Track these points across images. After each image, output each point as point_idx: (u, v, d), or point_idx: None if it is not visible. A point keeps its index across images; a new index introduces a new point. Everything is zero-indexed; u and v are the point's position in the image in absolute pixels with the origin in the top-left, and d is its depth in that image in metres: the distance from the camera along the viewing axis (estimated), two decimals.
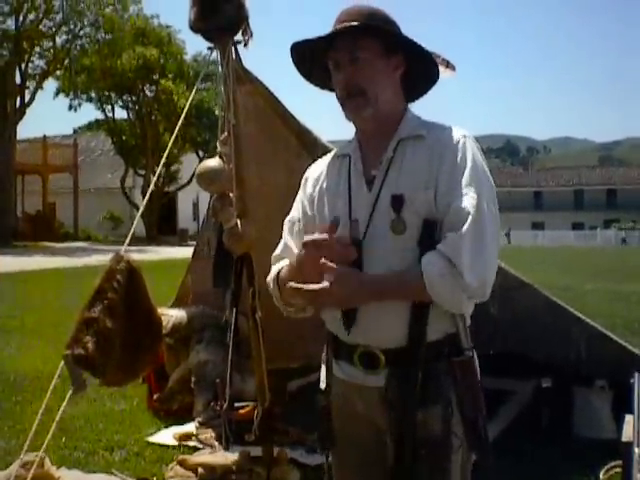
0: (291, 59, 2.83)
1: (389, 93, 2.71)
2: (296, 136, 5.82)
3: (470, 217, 2.48)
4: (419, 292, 2.49)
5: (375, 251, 2.59)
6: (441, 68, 2.80)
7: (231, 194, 4.60)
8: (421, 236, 2.55)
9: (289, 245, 2.91)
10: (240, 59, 5.01)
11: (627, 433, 4.31)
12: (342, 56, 2.65)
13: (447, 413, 2.60)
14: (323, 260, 2.50)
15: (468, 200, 2.50)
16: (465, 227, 2.47)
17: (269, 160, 6.09)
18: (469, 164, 2.57)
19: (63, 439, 6.57)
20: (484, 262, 2.50)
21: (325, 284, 2.49)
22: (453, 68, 2.86)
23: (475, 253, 2.46)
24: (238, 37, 4.80)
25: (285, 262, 2.81)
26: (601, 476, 5.61)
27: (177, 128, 5.42)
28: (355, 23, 2.59)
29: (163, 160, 5.68)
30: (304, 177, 3.00)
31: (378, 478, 2.74)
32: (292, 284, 2.51)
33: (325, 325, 2.84)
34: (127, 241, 4.35)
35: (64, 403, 3.98)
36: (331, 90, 2.81)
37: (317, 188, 2.87)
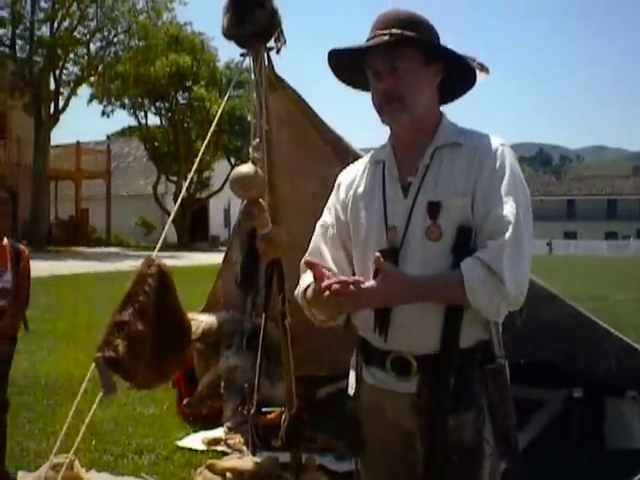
0: (328, 63, 2.82)
1: (427, 100, 2.71)
2: (328, 143, 5.82)
3: (511, 226, 2.49)
4: (458, 296, 2.49)
5: (411, 257, 2.60)
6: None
7: (262, 200, 4.61)
8: (455, 243, 2.56)
9: (322, 249, 2.90)
10: (272, 65, 5.03)
11: None
12: (381, 65, 2.64)
13: (479, 420, 2.59)
14: (377, 253, 2.51)
15: (508, 209, 2.52)
16: (506, 236, 2.48)
17: (301, 167, 6.10)
18: (507, 172, 2.58)
19: (93, 442, 6.61)
20: (522, 271, 2.51)
21: (371, 282, 2.50)
22: (487, 71, 2.85)
23: (514, 261, 2.48)
24: (271, 44, 4.82)
25: (312, 277, 2.73)
26: None
27: (209, 135, 5.44)
28: (395, 31, 2.59)
29: (195, 167, 5.68)
30: (337, 182, 2.99)
31: None
32: (335, 286, 2.48)
33: (356, 331, 2.83)
34: (158, 246, 4.38)
35: (94, 406, 4.02)
36: (369, 90, 2.81)
37: (350, 193, 2.87)
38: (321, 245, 2.92)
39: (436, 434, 2.57)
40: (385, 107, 2.67)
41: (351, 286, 2.46)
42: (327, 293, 2.48)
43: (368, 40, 2.66)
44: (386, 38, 2.59)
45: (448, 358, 2.56)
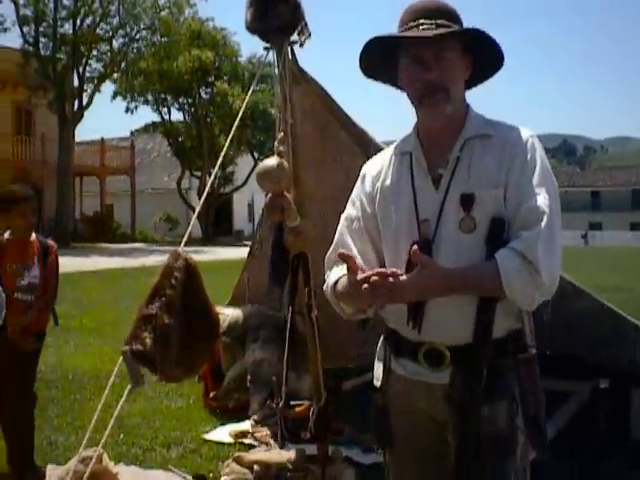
0: (362, 51, 2.75)
1: (462, 92, 2.73)
2: (352, 136, 5.83)
3: (545, 216, 2.50)
4: (493, 287, 2.49)
5: (444, 250, 2.60)
6: None
7: (287, 193, 4.62)
8: (489, 234, 2.57)
9: (348, 243, 2.87)
10: (296, 59, 5.04)
11: None
12: (427, 54, 2.61)
13: (512, 409, 2.61)
14: (415, 247, 2.48)
15: (541, 200, 2.53)
16: (540, 226, 2.49)
17: (325, 160, 6.11)
18: (538, 164, 2.60)
19: (121, 436, 6.67)
20: (554, 260, 2.53)
21: (409, 275, 2.49)
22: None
23: (548, 251, 2.49)
24: (294, 37, 4.83)
25: (342, 270, 2.73)
26: None
27: (232, 130, 5.45)
28: (442, 22, 2.60)
29: (219, 161, 5.69)
30: (361, 173, 2.97)
31: (437, 476, 2.74)
32: (374, 278, 2.45)
33: (384, 323, 2.84)
34: (184, 240, 4.40)
35: (122, 400, 4.04)
36: (392, 85, 2.82)
37: (378, 185, 2.85)
38: (347, 238, 2.89)
39: (469, 424, 2.57)
40: (428, 98, 2.64)
41: (390, 278, 2.46)
42: (365, 286, 2.45)
43: (411, 28, 2.63)
44: (442, 30, 2.58)
45: (481, 349, 2.57)
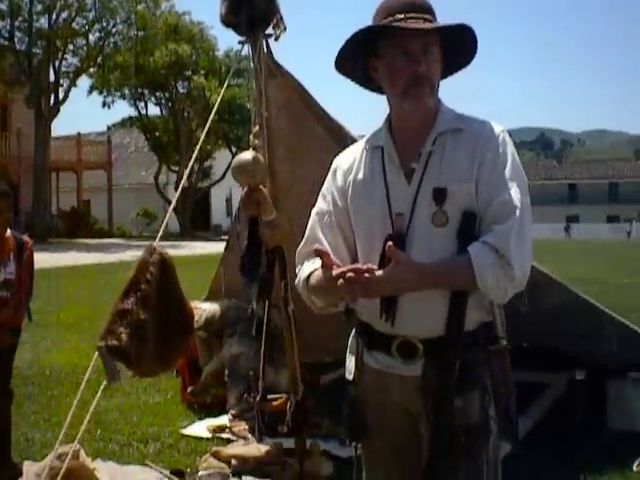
0: (346, 42, 2.73)
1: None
2: (327, 130, 5.82)
3: (517, 211, 2.53)
4: (466, 281, 2.51)
5: (417, 244, 2.61)
6: None
7: (262, 187, 4.61)
8: (460, 228, 2.58)
9: (319, 237, 2.86)
10: (271, 52, 5.03)
11: None
12: (416, 47, 2.62)
13: (485, 400, 2.63)
14: (390, 243, 2.50)
15: (513, 194, 2.56)
16: (512, 220, 2.52)
17: (300, 154, 6.10)
18: (510, 159, 2.62)
19: (98, 431, 6.65)
20: (526, 254, 2.55)
21: (382, 271, 2.50)
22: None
23: (519, 245, 2.51)
24: (269, 31, 4.82)
25: (315, 265, 2.74)
26: (635, 467, 5.60)
27: (208, 123, 5.43)
28: (428, 17, 2.63)
29: (195, 155, 5.63)
30: (332, 167, 2.97)
31: (410, 468, 2.74)
32: (350, 274, 2.46)
33: (356, 316, 2.83)
34: (159, 234, 4.39)
35: (98, 395, 4.03)
36: (359, 83, 2.84)
37: (350, 179, 2.85)
38: (318, 232, 2.89)
39: (442, 415, 2.59)
40: (413, 89, 2.64)
41: (366, 274, 2.47)
42: (341, 281, 2.47)
43: (398, 21, 2.62)
44: (428, 24, 2.61)
45: (454, 341, 2.58)
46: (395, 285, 2.54)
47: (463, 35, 2.67)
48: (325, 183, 2.98)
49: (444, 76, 2.81)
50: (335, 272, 2.49)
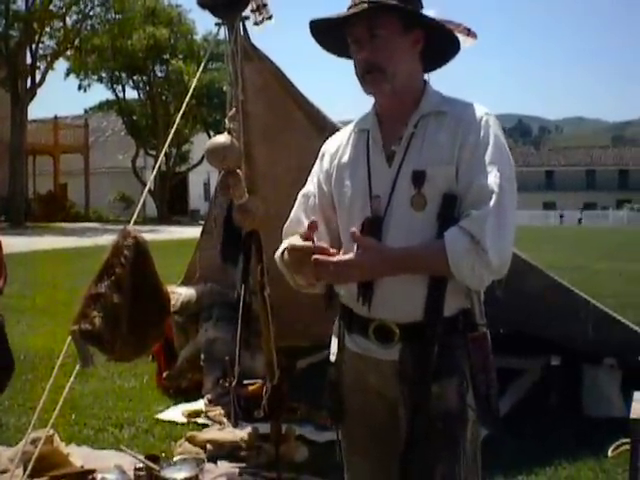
0: (310, 32, 2.79)
1: (408, 68, 2.69)
2: (305, 115, 5.79)
3: (494, 196, 2.49)
4: (441, 267, 2.49)
5: (395, 227, 2.60)
6: (462, 37, 2.78)
7: (238, 171, 4.59)
8: (440, 211, 2.56)
9: (301, 219, 2.89)
10: (248, 35, 4.99)
11: (636, 410, 4.29)
12: (361, 33, 2.62)
13: (462, 386, 2.61)
14: (353, 229, 2.53)
15: (491, 178, 2.52)
16: (489, 205, 2.48)
17: (278, 138, 6.06)
18: (492, 142, 2.58)
19: (73, 416, 6.62)
20: (505, 240, 2.52)
21: (350, 256, 2.52)
22: (474, 36, 2.83)
23: (497, 231, 2.48)
24: (246, 13, 4.78)
25: (293, 240, 2.75)
26: (609, 453, 5.63)
27: (184, 106, 5.41)
28: (369, 1, 2.56)
29: (169, 139, 5.64)
30: (321, 151, 2.98)
31: (389, 452, 2.73)
32: (316, 256, 2.50)
33: (338, 298, 2.83)
34: (134, 217, 4.36)
35: (71, 379, 4.00)
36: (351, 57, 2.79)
37: (335, 163, 2.86)
38: (300, 215, 2.92)
39: (419, 401, 2.58)
40: (366, 77, 2.66)
41: (330, 257, 2.50)
42: (315, 257, 2.50)
43: (349, 8, 2.63)
44: (364, 6, 2.56)
45: (432, 326, 2.56)
46: (364, 270, 2.54)
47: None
48: (314, 167, 2.99)
49: (437, 63, 2.81)
50: (298, 245, 2.56)
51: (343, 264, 2.50)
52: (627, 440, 4.63)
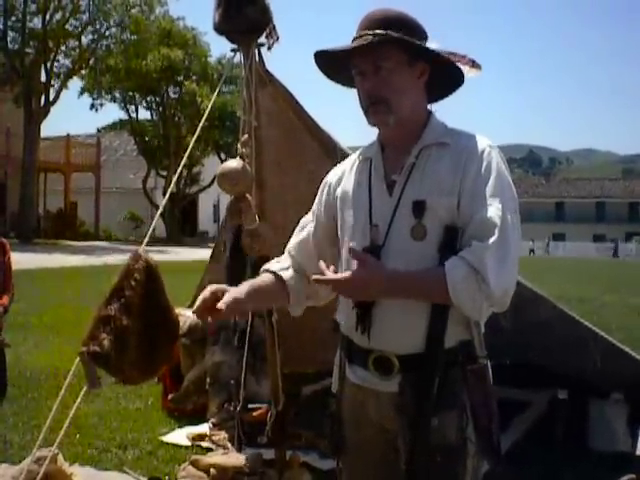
0: (315, 62, 2.81)
1: (412, 100, 2.69)
2: (316, 141, 5.80)
3: (497, 229, 2.48)
4: (440, 293, 2.48)
5: (394, 256, 2.59)
6: (466, 68, 2.78)
7: (249, 196, 4.61)
8: (442, 242, 2.55)
9: (288, 248, 3.05)
10: (263, 61, 5.02)
11: None
12: (365, 65, 2.64)
13: (462, 420, 2.59)
14: (351, 244, 2.65)
15: (493, 211, 2.51)
16: (491, 237, 2.47)
17: (289, 164, 6.08)
18: (494, 174, 2.57)
19: (77, 436, 6.59)
20: (507, 272, 2.50)
21: (347, 274, 2.54)
22: (479, 67, 2.84)
23: (499, 263, 2.46)
24: (261, 40, 4.82)
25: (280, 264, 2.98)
26: None
27: (198, 129, 5.43)
28: (379, 32, 2.58)
29: (184, 161, 5.63)
30: (324, 182, 3.02)
31: None
32: (314, 276, 2.56)
33: (340, 328, 2.83)
34: (146, 240, 4.37)
35: (78, 400, 4.00)
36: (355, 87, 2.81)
37: (338, 191, 2.88)
38: (293, 240, 3.06)
39: (418, 434, 2.56)
40: (370, 108, 2.67)
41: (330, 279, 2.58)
42: (313, 277, 2.61)
43: (354, 40, 2.65)
44: (370, 39, 2.58)
45: (432, 358, 2.55)
46: (360, 286, 2.54)
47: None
48: (317, 197, 3.03)
49: (441, 94, 2.83)
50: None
51: (341, 281, 2.55)
52: (633, 475, 4.61)
